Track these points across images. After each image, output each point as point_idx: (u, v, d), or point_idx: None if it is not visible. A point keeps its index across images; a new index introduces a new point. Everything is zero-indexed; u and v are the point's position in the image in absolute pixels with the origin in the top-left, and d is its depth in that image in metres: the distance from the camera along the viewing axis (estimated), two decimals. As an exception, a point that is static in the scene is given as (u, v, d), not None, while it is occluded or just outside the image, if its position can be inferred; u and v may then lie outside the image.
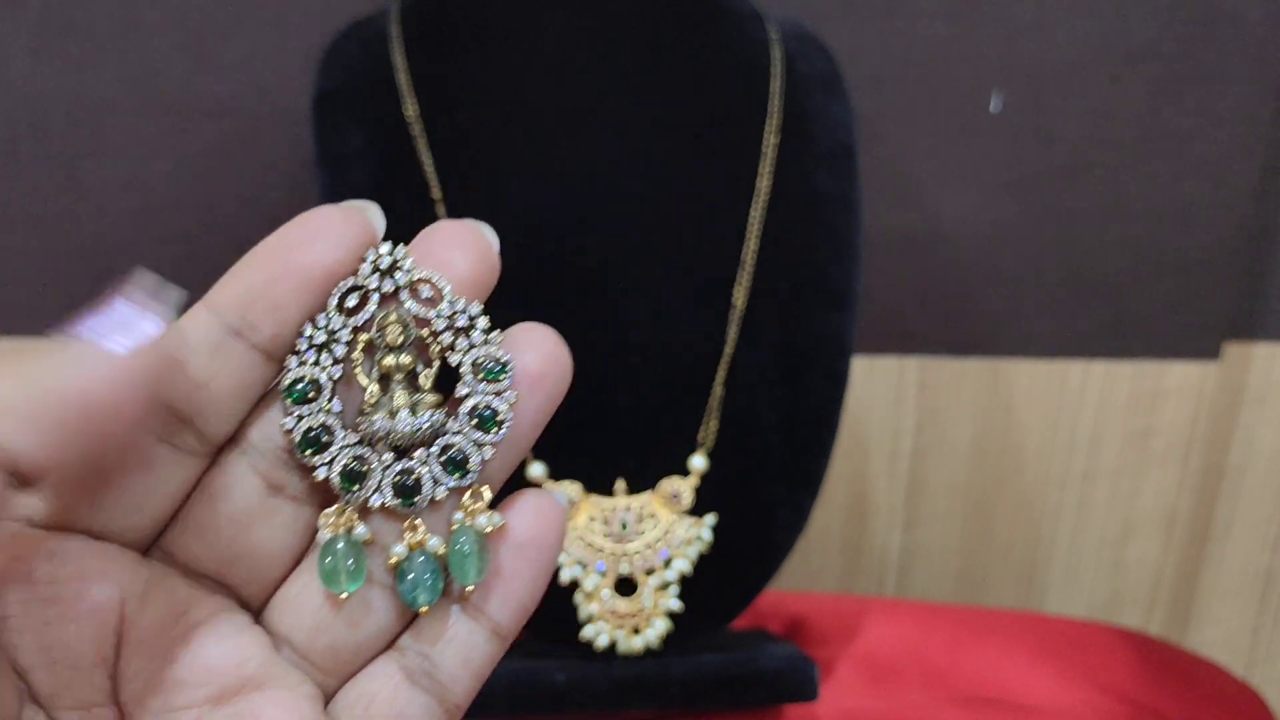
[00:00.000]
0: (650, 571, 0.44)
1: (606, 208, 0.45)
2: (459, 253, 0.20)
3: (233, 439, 0.20)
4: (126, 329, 0.18)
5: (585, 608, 0.44)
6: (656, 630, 0.44)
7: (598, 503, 0.44)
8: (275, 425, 0.20)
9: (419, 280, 0.20)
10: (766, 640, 0.50)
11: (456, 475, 0.20)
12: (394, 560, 0.20)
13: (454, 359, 0.20)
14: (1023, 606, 0.71)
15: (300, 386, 0.20)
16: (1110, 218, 0.63)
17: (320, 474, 0.20)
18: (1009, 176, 0.62)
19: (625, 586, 0.44)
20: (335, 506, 0.20)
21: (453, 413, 0.21)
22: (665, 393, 0.45)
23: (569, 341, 0.43)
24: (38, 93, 0.59)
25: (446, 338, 0.20)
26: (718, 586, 0.45)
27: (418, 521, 0.21)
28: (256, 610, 0.21)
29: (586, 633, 0.44)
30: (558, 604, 0.44)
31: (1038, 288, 0.64)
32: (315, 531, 0.21)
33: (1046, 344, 0.65)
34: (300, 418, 0.20)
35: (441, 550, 0.20)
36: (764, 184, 0.46)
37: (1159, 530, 0.70)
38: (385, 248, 0.20)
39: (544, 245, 0.44)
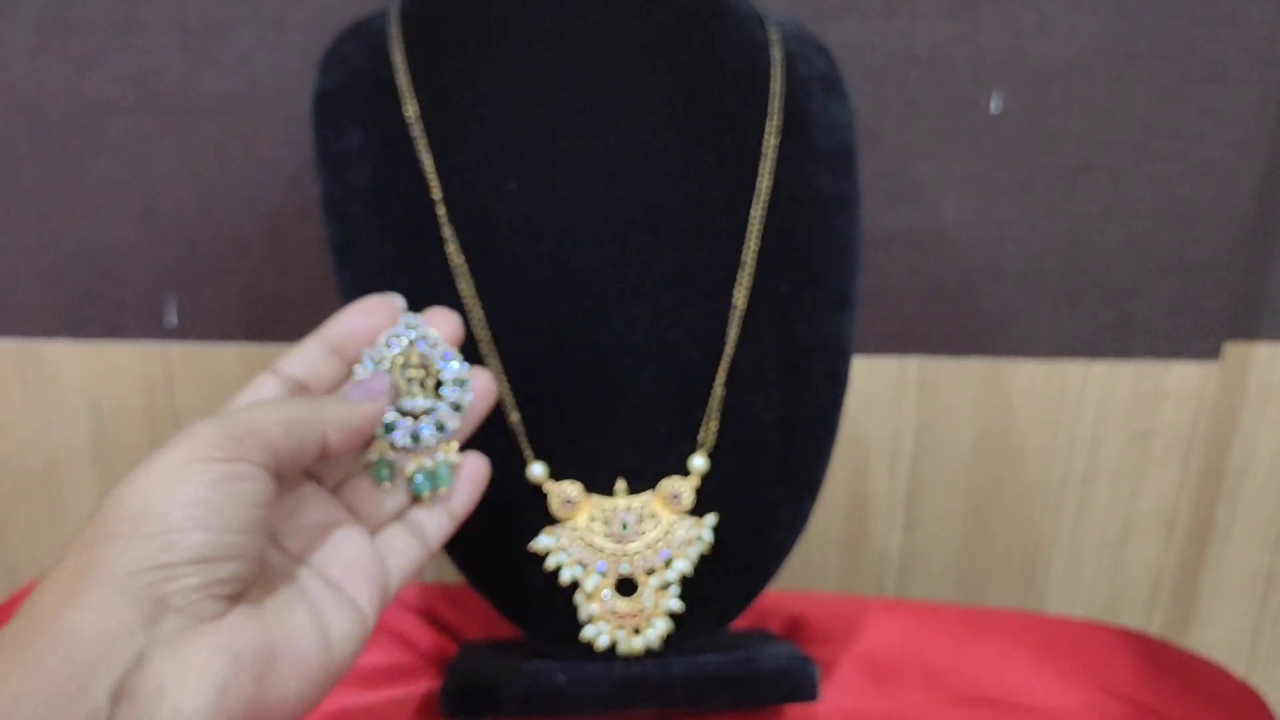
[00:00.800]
0: (651, 572, 0.44)
1: (606, 208, 0.45)
2: (444, 324, 0.39)
3: None
4: (365, 390, 0.37)
5: (586, 608, 0.44)
6: (657, 630, 0.44)
7: (598, 503, 0.44)
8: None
9: (425, 334, 0.38)
10: (767, 640, 0.50)
11: (440, 432, 0.38)
12: (408, 473, 0.38)
13: (442, 374, 0.38)
14: (1023, 607, 0.71)
15: None
16: (1112, 218, 0.63)
17: None
18: (1010, 177, 0.62)
19: (626, 587, 0.44)
20: (378, 442, 0.37)
21: (439, 400, 0.38)
22: (665, 393, 0.45)
23: (569, 341, 0.44)
24: (38, 92, 0.60)
25: (439, 363, 0.38)
26: (718, 587, 0.45)
27: (420, 454, 0.38)
28: (332, 491, 0.37)
29: (587, 633, 0.44)
30: (558, 604, 0.44)
31: (1039, 288, 0.64)
32: (366, 456, 0.38)
33: (1047, 344, 0.66)
34: None
35: (431, 469, 0.38)
36: (764, 184, 0.46)
37: (1159, 531, 0.70)
38: (409, 317, 0.38)
39: (544, 245, 0.45)
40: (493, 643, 0.51)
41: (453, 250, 0.44)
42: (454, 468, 0.38)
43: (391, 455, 0.38)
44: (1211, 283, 0.64)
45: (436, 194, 0.44)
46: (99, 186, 0.61)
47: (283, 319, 0.64)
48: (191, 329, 0.64)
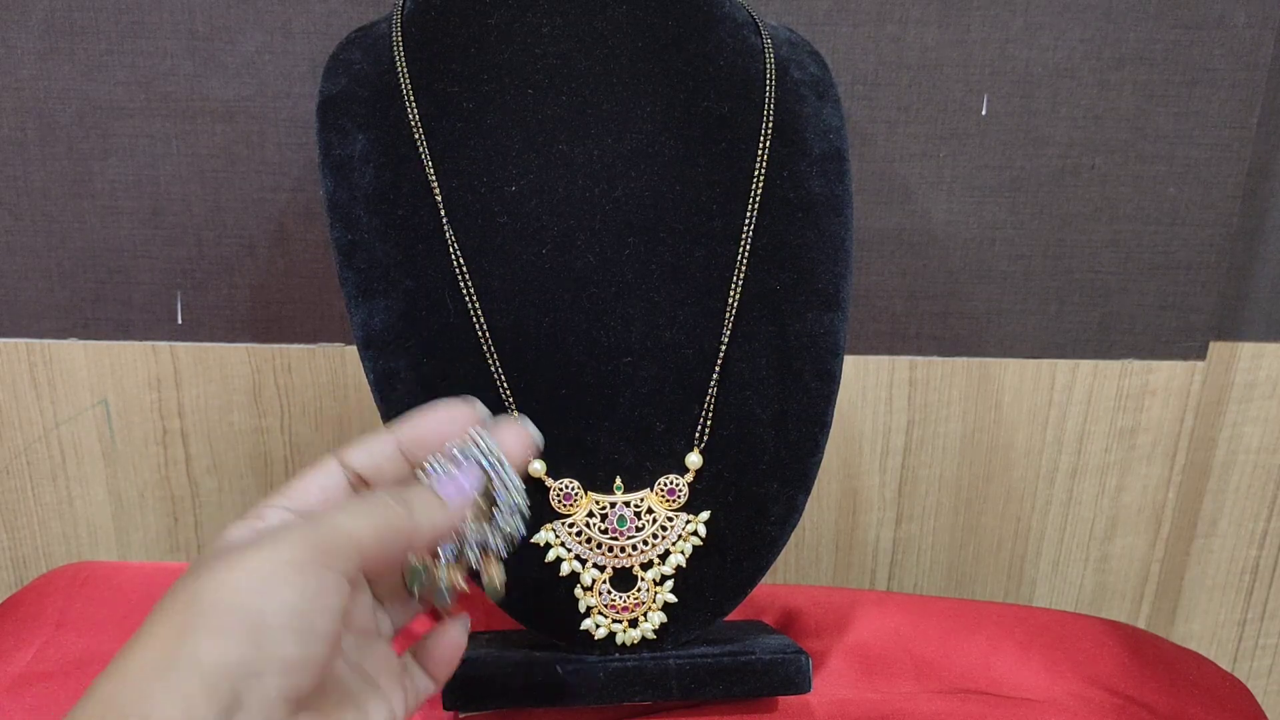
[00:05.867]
0: (647, 566, 0.45)
1: (604, 210, 0.45)
2: (513, 439, 0.37)
3: None
4: (455, 486, 0.35)
5: (584, 601, 0.45)
6: (653, 623, 0.45)
7: (596, 499, 0.45)
8: None
9: (490, 450, 0.36)
10: (761, 632, 0.50)
11: (481, 553, 0.37)
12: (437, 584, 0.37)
13: (498, 500, 0.36)
14: (1011, 600, 0.72)
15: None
16: (1098, 220, 0.63)
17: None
18: (999, 179, 0.63)
19: (623, 581, 0.45)
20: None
21: (490, 526, 0.37)
22: (661, 391, 0.45)
23: (568, 340, 0.45)
24: (46, 95, 0.60)
25: (498, 493, 0.36)
26: (713, 580, 0.45)
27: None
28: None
29: (585, 626, 0.45)
30: (557, 598, 0.45)
31: (1027, 288, 0.65)
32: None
33: (1035, 343, 0.66)
34: None
35: (452, 588, 0.37)
36: (758, 187, 0.46)
37: (1145, 526, 0.70)
38: (475, 431, 0.36)
39: (542, 246, 0.45)
40: (493, 635, 0.52)
41: (454, 251, 0.44)
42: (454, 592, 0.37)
43: (426, 564, 0.36)
44: (1197, 283, 0.64)
45: (438, 196, 0.45)
46: (107, 188, 0.62)
47: (288, 319, 0.64)
48: (199, 329, 0.64)
